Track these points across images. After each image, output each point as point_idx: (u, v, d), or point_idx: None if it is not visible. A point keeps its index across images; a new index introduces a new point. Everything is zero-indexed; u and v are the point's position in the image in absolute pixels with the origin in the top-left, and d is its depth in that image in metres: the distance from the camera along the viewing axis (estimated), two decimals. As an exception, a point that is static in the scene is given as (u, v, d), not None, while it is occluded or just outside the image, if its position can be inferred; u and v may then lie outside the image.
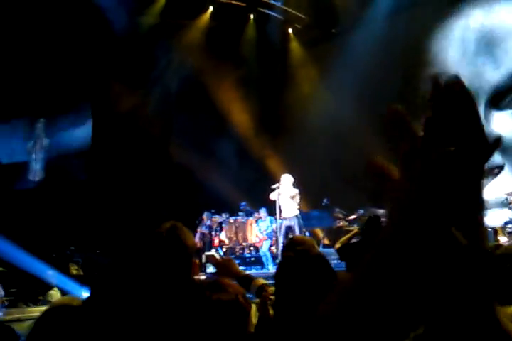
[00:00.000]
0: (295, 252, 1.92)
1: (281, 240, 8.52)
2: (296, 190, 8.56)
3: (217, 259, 2.57)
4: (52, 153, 15.02)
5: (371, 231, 5.09)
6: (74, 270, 8.34)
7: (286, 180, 8.57)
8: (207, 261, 7.44)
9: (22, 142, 15.78)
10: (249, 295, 2.12)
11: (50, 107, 14.27)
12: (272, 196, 8.58)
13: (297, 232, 8.47)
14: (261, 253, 9.56)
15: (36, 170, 15.25)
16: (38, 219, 11.99)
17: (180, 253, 1.83)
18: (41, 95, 13.39)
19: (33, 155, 15.54)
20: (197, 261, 1.95)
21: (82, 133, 14.11)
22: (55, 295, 4.55)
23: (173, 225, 1.90)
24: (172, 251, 1.82)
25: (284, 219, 8.60)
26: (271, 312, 2.00)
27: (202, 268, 7.49)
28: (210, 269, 7.31)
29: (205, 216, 10.36)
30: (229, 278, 2.44)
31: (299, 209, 8.68)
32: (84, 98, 13.84)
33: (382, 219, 5.92)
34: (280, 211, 8.57)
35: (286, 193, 8.47)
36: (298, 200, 8.55)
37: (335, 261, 8.35)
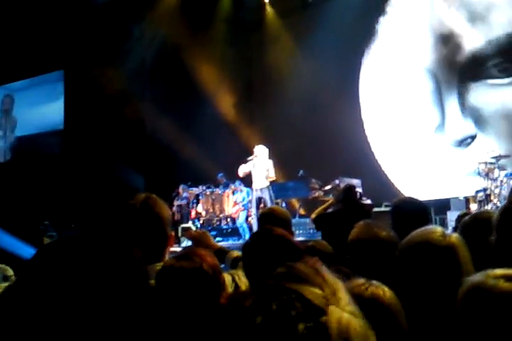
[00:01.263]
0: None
1: (253, 211, 8.56)
2: (271, 162, 8.53)
3: (192, 233, 2.57)
4: (23, 131, 14.54)
5: (347, 201, 5.15)
6: (49, 244, 8.25)
7: (261, 151, 8.54)
8: (182, 235, 7.44)
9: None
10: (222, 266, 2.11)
11: (19, 76, 13.82)
12: (240, 171, 8.55)
13: (269, 203, 8.50)
14: (238, 224, 9.60)
15: (5, 149, 14.77)
16: (11, 193, 11.82)
17: (154, 225, 1.79)
18: (10, 64, 12.97)
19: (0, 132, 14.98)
20: (173, 233, 1.92)
21: (54, 108, 13.72)
22: (4, 269, 4.49)
23: (147, 197, 1.85)
24: (146, 222, 1.78)
25: (256, 190, 8.61)
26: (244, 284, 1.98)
27: (177, 241, 7.50)
28: (185, 243, 7.32)
29: (181, 189, 10.33)
30: None
31: (274, 180, 8.67)
32: (57, 67, 13.49)
33: (357, 189, 5.95)
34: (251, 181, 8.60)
35: (260, 164, 8.44)
36: (273, 172, 8.51)
37: (311, 231, 8.48)
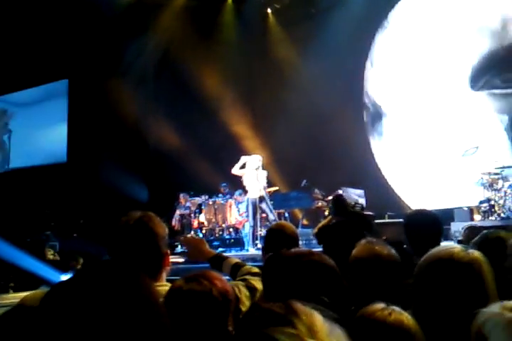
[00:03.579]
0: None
1: (250, 220, 8.53)
2: (265, 172, 8.49)
3: (187, 239, 2.48)
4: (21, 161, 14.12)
5: (340, 211, 5.08)
6: (50, 255, 8.23)
7: (254, 160, 8.51)
8: (177, 240, 7.36)
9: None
10: (226, 277, 2.03)
11: (21, 85, 13.80)
12: (234, 171, 8.55)
13: (268, 212, 8.47)
14: (243, 234, 9.54)
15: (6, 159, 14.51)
16: (13, 202, 11.80)
17: (148, 241, 1.73)
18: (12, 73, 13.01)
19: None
20: (168, 251, 1.84)
21: (57, 131, 13.50)
22: None
23: (142, 214, 1.79)
24: (139, 238, 1.72)
25: (251, 199, 8.58)
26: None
27: (172, 248, 7.44)
28: (179, 248, 7.25)
29: (182, 197, 10.29)
30: (200, 258, 2.33)
31: (277, 190, 8.64)
32: (61, 76, 13.53)
33: (360, 200, 5.89)
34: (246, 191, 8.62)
35: (252, 174, 8.42)
36: (264, 182, 8.47)
37: (313, 241, 8.43)
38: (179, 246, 7.01)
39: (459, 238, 5.54)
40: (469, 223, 5.67)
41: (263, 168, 8.59)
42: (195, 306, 1.42)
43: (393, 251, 2.13)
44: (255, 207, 8.49)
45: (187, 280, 1.48)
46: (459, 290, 1.40)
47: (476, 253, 1.48)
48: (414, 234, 2.57)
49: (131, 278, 0.87)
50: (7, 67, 12.58)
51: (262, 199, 8.44)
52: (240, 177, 8.59)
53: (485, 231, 2.34)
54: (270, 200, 8.77)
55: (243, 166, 8.48)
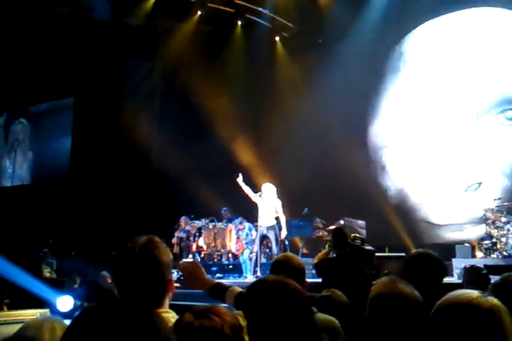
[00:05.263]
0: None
1: (256, 248, 8.45)
2: (279, 202, 8.46)
3: (184, 265, 2.41)
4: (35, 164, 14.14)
5: (340, 244, 5.05)
6: (47, 273, 8.13)
7: (268, 189, 8.47)
8: (173, 266, 7.24)
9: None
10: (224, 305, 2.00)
11: (31, 102, 13.96)
12: (245, 188, 8.49)
13: (273, 243, 8.41)
14: (241, 260, 9.44)
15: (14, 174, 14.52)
16: (10, 219, 11.74)
17: (152, 269, 1.72)
18: (23, 90, 13.16)
19: (10, 170, 14.50)
20: (172, 278, 1.81)
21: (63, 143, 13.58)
22: None
23: (148, 240, 1.77)
24: (144, 266, 1.71)
25: (260, 226, 8.52)
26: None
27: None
28: (175, 274, 7.15)
29: (182, 221, 10.19)
30: (197, 288, 2.24)
31: (276, 218, 8.58)
32: (67, 94, 13.67)
33: (346, 230, 5.82)
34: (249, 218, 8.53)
35: (267, 203, 8.37)
36: (281, 212, 8.41)
37: (313, 271, 8.35)
38: (175, 273, 6.91)
39: (460, 276, 5.50)
40: (470, 262, 5.64)
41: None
42: None
43: (416, 292, 2.07)
44: (262, 235, 8.43)
45: (196, 316, 1.46)
46: (477, 337, 1.39)
47: (495, 300, 1.47)
48: (413, 279, 2.48)
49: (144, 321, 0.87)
50: (18, 85, 12.76)
51: (270, 228, 8.38)
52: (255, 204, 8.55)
53: (505, 274, 2.32)
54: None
55: (259, 196, 8.42)
